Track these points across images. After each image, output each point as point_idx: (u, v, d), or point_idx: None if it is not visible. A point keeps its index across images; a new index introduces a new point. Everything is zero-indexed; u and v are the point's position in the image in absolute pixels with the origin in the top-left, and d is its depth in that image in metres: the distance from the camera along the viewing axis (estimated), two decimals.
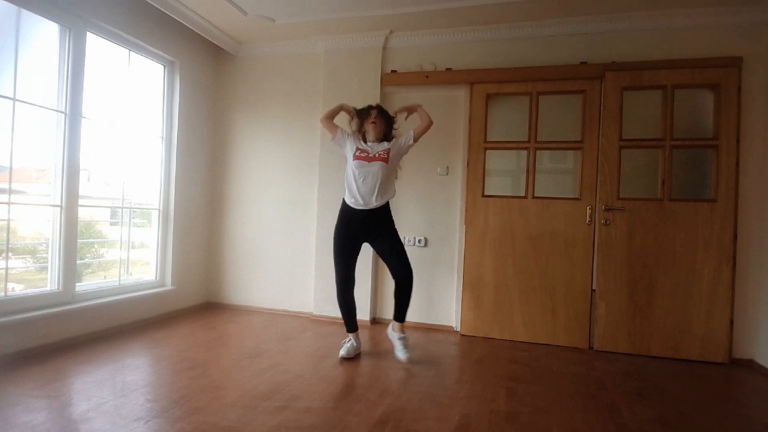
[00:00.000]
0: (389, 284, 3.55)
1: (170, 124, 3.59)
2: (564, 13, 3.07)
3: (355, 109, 2.83)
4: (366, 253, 3.51)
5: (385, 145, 2.69)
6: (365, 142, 2.74)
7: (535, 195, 3.22)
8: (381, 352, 2.83)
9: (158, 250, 3.53)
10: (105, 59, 3.07)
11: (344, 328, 2.80)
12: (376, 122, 2.68)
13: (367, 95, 3.50)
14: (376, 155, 2.63)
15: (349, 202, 2.66)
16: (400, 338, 2.63)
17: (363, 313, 3.50)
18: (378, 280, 3.61)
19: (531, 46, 3.26)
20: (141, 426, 1.71)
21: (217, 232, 4.01)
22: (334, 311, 3.56)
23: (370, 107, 2.78)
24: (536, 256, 3.19)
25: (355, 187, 2.62)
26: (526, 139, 3.24)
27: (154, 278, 3.51)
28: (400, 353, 2.60)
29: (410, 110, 2.80)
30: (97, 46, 2.96)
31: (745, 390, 2.43)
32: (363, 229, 2.66)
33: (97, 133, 3.02)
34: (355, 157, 2.65)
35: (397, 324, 2.67)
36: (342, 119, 2.88)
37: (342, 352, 2.66)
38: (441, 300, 3.47)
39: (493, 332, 3.26)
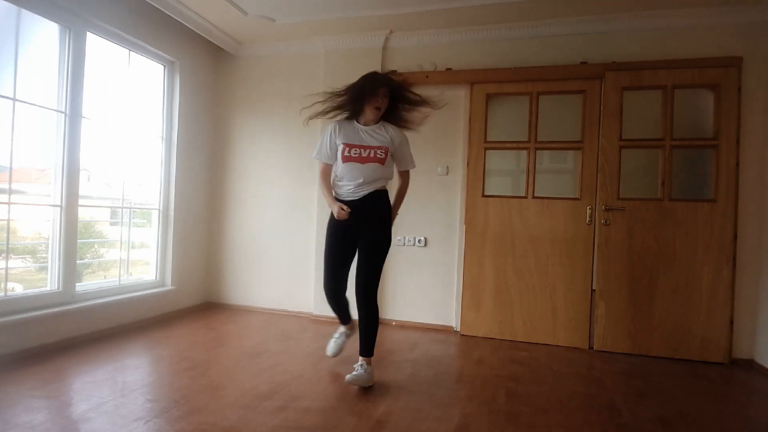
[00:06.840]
0: (385, 282, 3.56)
1: (170, 124, 3.59)
2: (564, 13, 3.07)
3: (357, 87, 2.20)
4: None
5: (383, 137, 2.22)
6: (358, 121, 2.26)
7: (535, 195, 3.21)
8: (380, 352, 2.83)
9: (158, 250, 3.53)
10: (105, 59, 3.07)
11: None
12: (380, 107, 2.18)
13: None
14: (372, 155, 2.19)
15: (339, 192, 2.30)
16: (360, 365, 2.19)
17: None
18: None
19: (531, 46, 3.26)
20: (141, 426, 1.71)
21: (217, 232, 4.01)
22: None
23: (376, 79, 2.18)
24: (536, 256, 3.19)
25: (342, 181, 2.28)
26: (526, 139, 3.24)
27: (154, 278, 3.50)
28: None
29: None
30: (97, 46, 2.96)
31: (745, 390, 2.43)
32: (354, 220, 2.25)
33: (97, 133, 3.02)
34: (345, 158, 2.19)
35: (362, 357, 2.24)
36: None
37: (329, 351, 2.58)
38: (441, 300, 3.47)
39: (493, 332, 3.25)
